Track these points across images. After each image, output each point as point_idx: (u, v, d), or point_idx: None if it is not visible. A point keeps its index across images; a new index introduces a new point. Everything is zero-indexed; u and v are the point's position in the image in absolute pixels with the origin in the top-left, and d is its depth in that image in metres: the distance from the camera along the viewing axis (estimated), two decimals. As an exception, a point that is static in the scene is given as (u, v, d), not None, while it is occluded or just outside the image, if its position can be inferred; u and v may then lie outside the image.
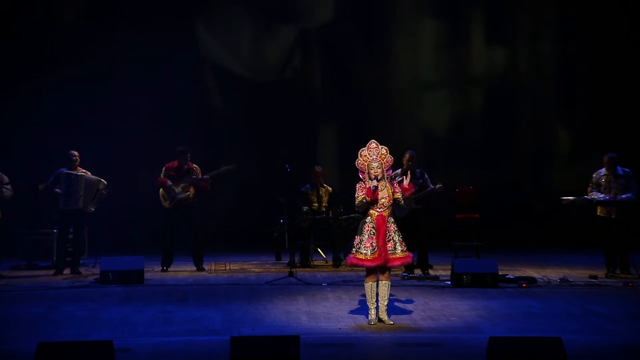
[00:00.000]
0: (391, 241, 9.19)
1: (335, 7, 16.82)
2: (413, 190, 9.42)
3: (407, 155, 12.55)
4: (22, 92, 15.97)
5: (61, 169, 12.96)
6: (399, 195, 9.26)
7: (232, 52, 16.78)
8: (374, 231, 9.17)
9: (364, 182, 9.24)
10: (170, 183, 13.10)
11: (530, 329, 9.00)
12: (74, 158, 12.94)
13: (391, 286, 9.36)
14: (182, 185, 13.10)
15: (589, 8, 16.76)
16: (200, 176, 13.16)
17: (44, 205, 13.88)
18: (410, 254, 9.41)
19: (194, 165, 13.27)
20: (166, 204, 13.16)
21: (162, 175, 13.20)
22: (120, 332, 8.86)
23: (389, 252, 9.16)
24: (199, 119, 16.48)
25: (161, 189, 13.17)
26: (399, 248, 9.22)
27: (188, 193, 13.12)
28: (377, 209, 9.18)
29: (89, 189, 12.91)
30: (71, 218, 13.00)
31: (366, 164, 9.22)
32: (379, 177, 9.15)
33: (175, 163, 13.24)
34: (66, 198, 12.86)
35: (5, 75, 16.00)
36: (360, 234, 9.24)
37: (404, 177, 9.47)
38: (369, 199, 9.12)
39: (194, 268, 13.16)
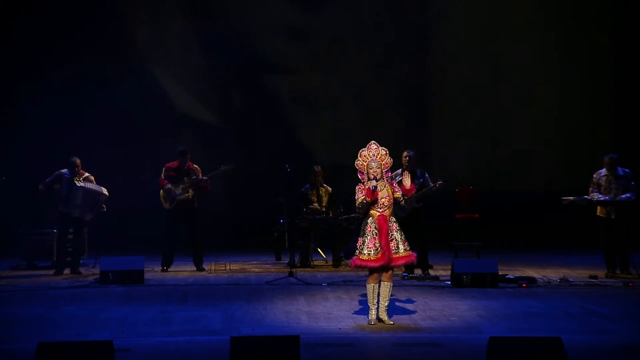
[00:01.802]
0: (394, 240, 9.19)
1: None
2: (415, 190, 9.42)
3: (406, 155, 12.52)
4: (24, 91, 15.96)
5: (64, 170, 12.91)
6: (398, 194, 9.27)
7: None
8: (376, 232, 9.17)
9: (363, 184, 9.25)
10: (170, 186, 13.07)
11: (530, 329, 9.00)
12: (76, 169, 12.87)
13: (392, 286, 9.36)
14: (182, 186, 13.09)
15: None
16: (200, 176, 13.15)
17: (44, 205, 13.86)
18: (414, 253, 9.42)
19: (194, 165, 13.27)
20: (166, 205, 13.15)
21: (162, 175, 13.19)
22: (120, 332, 8.87)
23: (392, 251, 9.16)
24: (198, 119, 16.45)
25: (161, 191, 13.16)
26: (402, 247, 9.22)
27: (188, 194, 13.11)
28: (378, 209, 9.18)
29: (88, 199, 12.86)
30: (70, 219, 12.97)
31: (365, 164, 9.24)
32: (377, 177, 9.15)
33: (175, 163, 13.23)
34: (65, 202, 12.83)
35: (5, 75, 15.99)
36: (363, 235, 9.24)
37: (403, 174, 9.45)
38: (369, 199, 9.12)
39: (194, 268, 13.15)
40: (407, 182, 9.28)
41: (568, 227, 15.58)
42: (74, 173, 12.88)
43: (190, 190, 13.11)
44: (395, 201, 9.29)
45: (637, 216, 12.67)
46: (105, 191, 12.98)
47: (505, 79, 16.97)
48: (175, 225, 13.19)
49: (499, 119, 16.90)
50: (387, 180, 9.30)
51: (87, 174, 12.99)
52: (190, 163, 13.21)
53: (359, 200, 9.20)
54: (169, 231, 13.19)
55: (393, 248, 9.17)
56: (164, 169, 13.23)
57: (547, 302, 10.53)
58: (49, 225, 13.64)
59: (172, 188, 13.07)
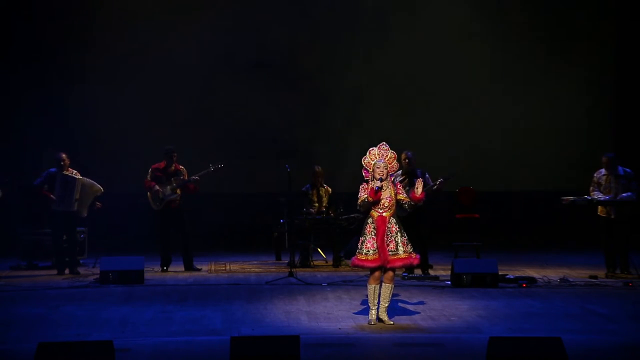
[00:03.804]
0: (392, 242, 9.17)
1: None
2: (423, 198, 9.41)
3: (405, 156, 12.46)
4: (21, 90, 15.97)
5: (52, 170, 12.84)
6: (402, 197, 9.26)
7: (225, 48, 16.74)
8: (374, 232, 9.17)
9: (367, 183, 9.24)
10: (157, 187, 13.03)
11: (530, 329, 9.00)
12: (62, 164, 12.80)
13: (393, 288, 9.35)
14: (169, 187, 13.04)
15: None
16: (187, 177, 13.11)
17: (39, 205, 13.81)
18: (417, 256, 9.35)
19: (181, 166, 13.20)
20: (154, 206, 13.11)
21: (148, 177, 13.12)
22: (120, 332, 8.87)
23: (390, 253, 9.14)
24: (196, 118, 16.46)
25: (149, 193, 13.11)
26: (401, 249, 9.19)
27: (176, 195, 13.07)
28: (378, 210, 9.18)
29: (85, 193, 12.83)
30: (62, 220, 12.86)
31: (372, 162, 9.23)
32: (382, 178, 9.14)
33: (162, 164, 13.17)
34: (60, 200, 12.77)
35: (6, 75, 16.01)
36: (362, 234, 9.25)
37: (416, 181, 9.39)
38: (371, 199, 9.11)
39: (194, 268, 13.17)
40: (419, 189, 9.26)
41: (568, 227, 15.60)
42: (62, 168, 12.81)
43: (177, 191, 13.07)
44: (398, 203, 9.28)
45: (637, 216, 12.68)
46: (99, 186, 12.94)
47: (504, 79, 16.98)
48: (167, 225, 13.15)
49: (498, 118, 16.89)
50: (391, 182, 9.30)
51: (74, 171, 12.92)
52: (176, 164, 13.14)
53: (361, 198, 9.19)
54: (162, 232, 13.18)
55: (392, 249, 9.16)
56: (150, 170, 13.16)
57: (547, 302, 10.53)
58: (47, 225, 13.62)
59: (160, 189, 13.02)
